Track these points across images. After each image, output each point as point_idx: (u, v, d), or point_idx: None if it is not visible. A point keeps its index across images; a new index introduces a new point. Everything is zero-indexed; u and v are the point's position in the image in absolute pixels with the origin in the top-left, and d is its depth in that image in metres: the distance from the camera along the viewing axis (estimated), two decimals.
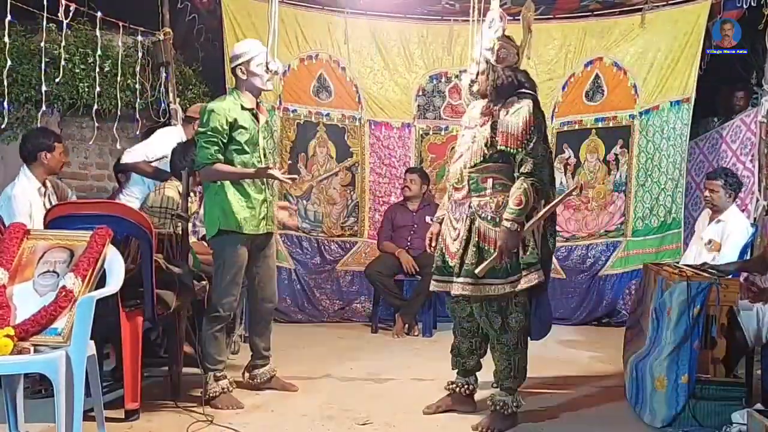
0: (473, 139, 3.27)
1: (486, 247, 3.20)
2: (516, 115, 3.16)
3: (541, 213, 3.19)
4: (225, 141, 3.48)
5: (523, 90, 3.25)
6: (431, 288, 3.48)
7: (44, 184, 3.93)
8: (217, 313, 3.56)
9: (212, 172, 3.49)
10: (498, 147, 3.19)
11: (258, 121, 3.62)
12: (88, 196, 5.29)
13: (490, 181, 3.24)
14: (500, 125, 3.18)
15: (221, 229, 3.51)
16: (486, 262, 3.13)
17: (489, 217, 3.21)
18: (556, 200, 3.34)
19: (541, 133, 3.24)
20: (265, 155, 3.67)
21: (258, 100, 3.68)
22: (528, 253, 3.22)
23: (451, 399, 3.51)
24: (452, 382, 3.53)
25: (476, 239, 3.22)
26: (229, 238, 3.51)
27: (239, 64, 3.56)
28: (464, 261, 3.23)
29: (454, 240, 3.31)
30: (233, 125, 3.48)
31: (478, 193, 3.26)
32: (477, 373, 3.55)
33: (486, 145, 3.21)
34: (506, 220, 3.11)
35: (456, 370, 3.55)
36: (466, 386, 3.51)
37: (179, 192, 3.95)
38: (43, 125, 4.40)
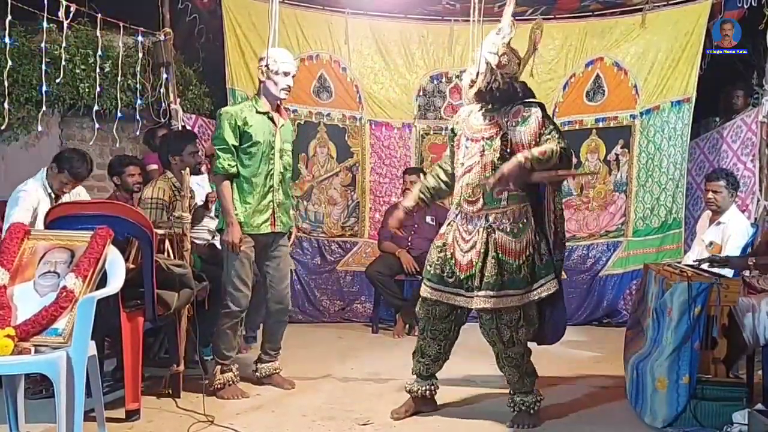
0: (482, 153, 3.25)
1: (505, 258, 3.18)
2: (526, 124, 3.18)
3: (554, 173, 3.16)
4: None
5: (530, 100, 3.26)
6: (423, 294, 3.40)
7: (56, 192, 3.89)
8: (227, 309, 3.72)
9: None
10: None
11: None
12: (88, 197, 5.28)
13: (504, 193, 3.22)
14: (513, 136, 3.19)
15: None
16: (493, 175, 3.10)
17: (507, 229, 3.20)
18: (574, 172, 3.31)
19: (555, 127, 3.26)
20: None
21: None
22: (544, 261, 3.23)
23: (414, 402, 3.49)
24: (416, 387, 3.48)
25: (495, 252, 3.19)
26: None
27: None
28: (484, 274, 3.19)
29: (466, 252, 3.27)
30: None
31: (493, 206, 3.24)
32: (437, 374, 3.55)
33: (498, 159, 3.20)
34: (523, 156, 3.09)
35: (416, 374, 3.51)
36: (429, 389, 3.49)
37: (173, 186, 3.97)
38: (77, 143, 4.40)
